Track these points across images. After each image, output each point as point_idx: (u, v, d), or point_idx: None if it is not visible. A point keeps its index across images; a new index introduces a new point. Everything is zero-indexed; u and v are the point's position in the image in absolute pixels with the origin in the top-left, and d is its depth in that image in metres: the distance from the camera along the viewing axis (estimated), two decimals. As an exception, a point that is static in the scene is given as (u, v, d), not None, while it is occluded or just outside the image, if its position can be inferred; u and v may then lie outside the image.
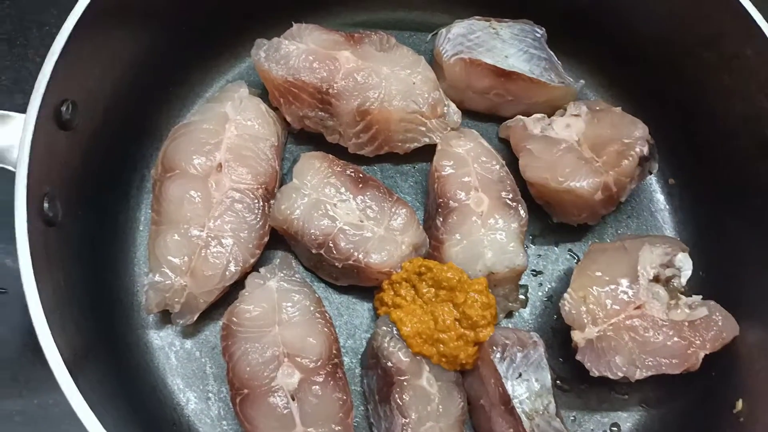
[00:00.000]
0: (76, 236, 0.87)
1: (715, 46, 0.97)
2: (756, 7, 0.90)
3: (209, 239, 0.95)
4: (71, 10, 0.83)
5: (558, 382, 0.98)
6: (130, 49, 0.97)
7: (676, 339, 0.89)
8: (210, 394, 0.96)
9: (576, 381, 0.98)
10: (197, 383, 0.96)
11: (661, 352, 0.89)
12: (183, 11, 1.02)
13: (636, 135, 0.98)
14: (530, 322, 1.03)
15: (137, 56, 0.99)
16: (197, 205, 0.96)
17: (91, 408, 0.69)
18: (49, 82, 0.78)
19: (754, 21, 0.89)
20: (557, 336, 1.01)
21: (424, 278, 0.94)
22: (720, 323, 0.91)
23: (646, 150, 0.98)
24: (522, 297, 1.04)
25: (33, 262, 0.71)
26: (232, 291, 0.96)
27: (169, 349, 0.97)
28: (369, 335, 0.98)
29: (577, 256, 1.06)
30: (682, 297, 0.93)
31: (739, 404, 0.85)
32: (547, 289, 1.05)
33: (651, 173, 1.03)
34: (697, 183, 1.08)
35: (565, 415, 0.97)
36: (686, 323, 0.90)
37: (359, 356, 0.99)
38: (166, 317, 0.97)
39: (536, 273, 1.05)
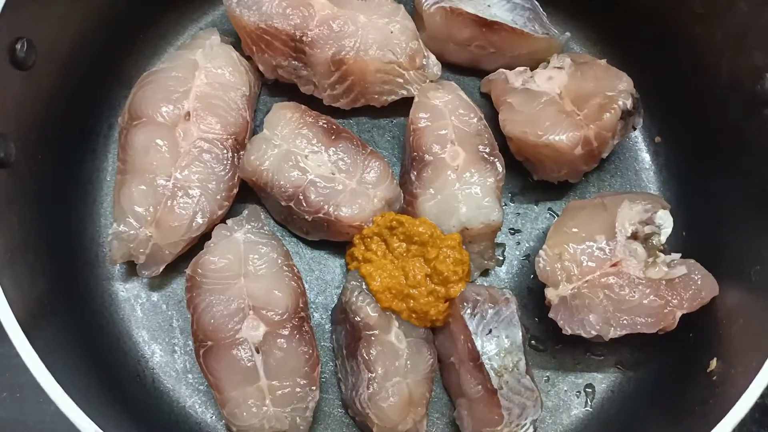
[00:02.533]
0: (35, 181, 0.85)
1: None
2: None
3: (176, 189, 0.92)
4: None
5: (532, 341, 0.96)
6: (95, -9, 0.94)
7: (652, 297, 0.87)
8: (176, 347, 0.94)
9: (551, 341, 0.96)
10: (163, 336, 0.94)
11: (637, 311, 0.86)
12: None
13: (619, 88, 0.95)
14: (506, 281, 1.00)
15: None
16: (164, 155, 0.93)
17: (44, 362, 0.67)
18: (1, 17, 0.75)
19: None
20: (533, 295, 0.99)
21: (396, 233, 0.92)
22: (699, 282, 0.88)
23: (629, 104, 0.94)
24: (499, 256, 1.01)
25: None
26: (201, 244, 0.93)
27: (134, 301, 0.95)
28: (340, 291, 0.95)
29: (557, 215, 1.03)
30: (661, 255, 0.90)
31: (713, 363, 0.83)
32: (524, 248, 1.02)
33: (635, 129, 0.99)
34: (684, 141, 1.04)
35: (539, 375, 0.95)
36: (664, 281, 0.88)
37: (330, 312, 0.97)
38: (132, 268, 0.95)
39: (514, 231, 1.03)
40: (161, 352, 0.93)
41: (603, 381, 0.96)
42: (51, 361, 0.70)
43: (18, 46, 0.78)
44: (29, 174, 0.82)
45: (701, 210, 0.99)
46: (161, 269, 0.93)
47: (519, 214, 1.04)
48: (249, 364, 0.84)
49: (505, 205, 1.03)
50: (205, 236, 0.93)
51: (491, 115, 1.03)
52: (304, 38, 0.97)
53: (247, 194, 0.99)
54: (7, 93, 0.78)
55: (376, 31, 0.99)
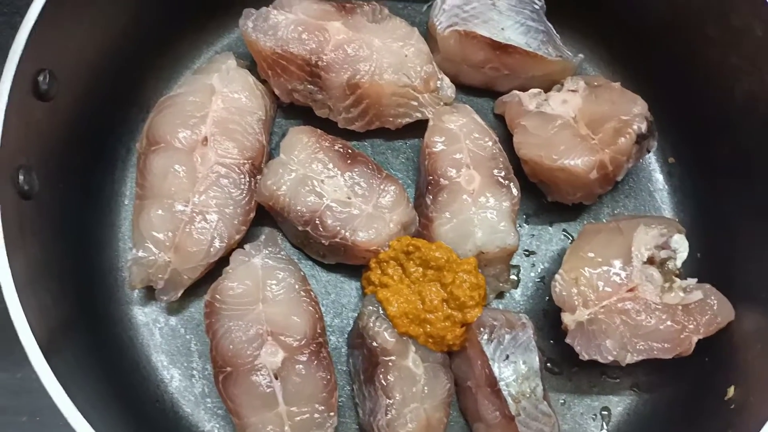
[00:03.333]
0: (56, 209, 0.86)
1: (723, 22, 0.93)
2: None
3: (194, 214, 0.93)
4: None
5: (548, 364, 0.97)
6: (113, 18, 0.94)
7: (668, 323, 0.87)
8: (194, 372, 0.95)
9: (567, 364, 0.96)
10: (181, 360, 0.95)
11: (653, 336, 0.87)
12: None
13: (634, 112, 0.95)
14: (522, 303, 1.01)
15: (121, 25, 0.96)
16: (182, 180, 0.94)
17: (63, 387, 0.68)
18: (24, 50, 0.76)
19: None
20: (549, 317, 0.99)
21: (412, 257, 0.92)
22: (715, 307, 0.88)
23: (644, 127, 0.95)
24: (514, 277, 1.01)
25: (5, 235, 0.70)
26: (219, 267, 0.94)
27: (153, 326, 0.96)
28: (356, 314, 0.96)
29: (572, 236, 1.03)
30: (677, 280, 0.90)
31: (731, 391, 0.83)
32: (539, 270, 1.02)
33: (649, 151, 1.00)
34: (698, 163, 1.05)
35: (554, 398, 0.95)
36: (680, 307, 0.88)
37: (346, 335, 0.97)
38: (150, 293, 0.96)
39: (529, 253, 1.03)
40: (180, 376, 0.94)
41: (619, 404, 0.96)
42: (71, 386, 0.72)
43: (40, 78, 0.79)
44: (51, 203, 0.83)
45: (716, 232, 1.00)
46: (180, 294, 0.94)
47: (533, 235, 1.04)
48: (268, 390, 0.85)
49: (520, 226, 1.03)
50: (223, 260, 0.94)
51: (505, 136, 1.04)
52: (319, 63, 0.98)
53: (264, 217, 0.99)
54: (30, 125, 0.79)
55: (391, 55, 0.99)
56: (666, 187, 1.07)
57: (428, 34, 1.06)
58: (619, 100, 0.98)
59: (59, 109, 0.84)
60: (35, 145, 0.80)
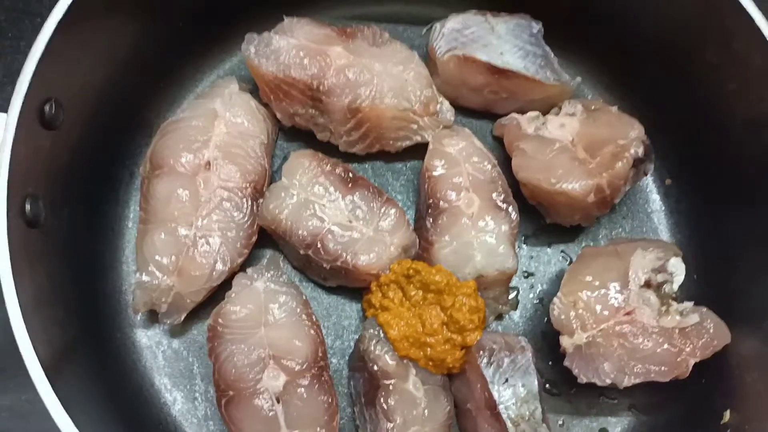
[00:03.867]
0: (62, 236, 0.87)
1: (721, 49, 0.94)
2: (764, 14, 0.88)
3: (197, 238, 0.94)
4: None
5: (547, 385, 0.98)
6: (117, 45, 0.96)
7: (666, 346, 0.88)
8: (197, 394, 0.96)
9: (565, 385, 0.97)
10: (184, 383, 0.96)
11: (651, 359, 0.88)
12: (173, 4, 1.00)
13: (631, 136, 0.96)
14: (520, 324, 1.02)
15: (125, 51, 0.97)
16: (185, 204, 0.95)
17: (67, 410, 0.69)
18: (31, 80, 0.78)
19: (761, 29, 0.87)
20: (547, 339, 1.00)
21: (413, 281, 0.93)
22: (711, 330, 0.89)
23: (641, 151, 0.96)
24: (512, 299, 1.03)
25: (12, 265, 0.71)
26: (222, 290, 0.95)
27: (156, 349, 0.97)
28: (357, 336, 0.97)
29: (570, 258, 1.05)
30: (674, 303, 0.91)
31: (727, 415, 0.84)
32: (538, 291, 1.04)
33: (646, 174, 1.01)
34: (695, 185, 1.06)
35: (553, 419, 0.96)
36: (677, 330, 0.89)
37: (347, 357, 0.98)
38: (154, 316, 0.97)
39: (528, 275, 1.04)
40: (183, 399, 0.95)
41: (617, 425, 0.97)
42: (74, 409, 0.73)
43: (47, 108, 0.81)
44: (57, 230, 0.85)
45: (713, 254, 1.01)
46: (183, 317, 0.95)
47: (532, 257, 1.05)
48: (270, 414, 0.86)
49: (519, 247, 1.05)
50: (225, 283, 0.95)
51: (504, 158, 1.05)
52: (321, 87, 0.99)
53: (266, 240, 1.01)
54: (38, 154, 0.80)
55: (391, 79, 1.01)
56: (663, 208, 1.08)
57: (428, 57, 1.08)
58: (617, 124, 0.99)
59: (64, 137, 0.85)
60: (41, 174, 0.81)
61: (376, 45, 1.04)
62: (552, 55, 1.06)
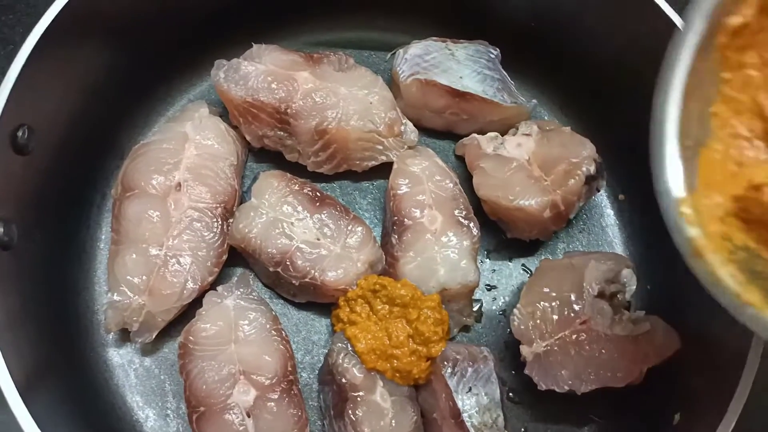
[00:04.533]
0: (33, 258, 0.89)
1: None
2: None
3: (167, 258, 0.97)
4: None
5: (510, 394, 1.01)
6: (89, 70, 0.99)
7: (619, 353, 0.92)
8: (169, 411, 0.97)
9: (527, 393, 1.01)
10: (156, 400, 0.98)
11: (606, 366, 0.92)
12: (144, 31, 1.03)
13: (583, 154, 1.02)
14: (484, 335, 1.06)
15: (97, 77, 1.00)
16: (156, 225, 0.97)
17: (41, 429, 0.70)
18: (4, 107, 0.80)
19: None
20: (510, 349, 1.04)
21: (379, 295, 0.97)
22: (662, 338, 0.94)
23: (593, 169, 1.01)
24: (476, 311, 1.07)
25: (-16, 288, 0.73)
26: (192, 308, 0.97)
27: (128, 367, 0.99)
28: (326, 351, 1.00)
29: (530, 271, 1.09)
30: (626, 312, 0.96)
31: (677, 417, 0.89)
32: (501, 303, 1.08)
33: (599, 191, 1.06)
34: (647, 200, 1.10)
35: (516, 427, 1.00)
36: (629, 338, 0.94)
37: (317, 372, 1.01)
38: (125, 335, 0.98)
39: (490, 287, 1.09)
40: (155, 416, 0.97)
41: (577, 431, 1.01)
42: (48, 428, 0.74)
43: (19, 134, 0.83)
44: (28, 252, 0.86)
45: (664, 265, 1.06)
46: (154, 335, 0.96)
47: (494, 270, 1.09)
48: (241, 428, 0.88)
49: (482, 262, 1.09)
50: (196, 301, 0.97)
51: (465, 176, 1.10)
52: (288, 110, 1.03)
53: (236, 258, 1.03)
54: (9, 179, 0.82)
55: (357, 102, 1.05)
56: (617, 222, 1.14)
57: (392, 82, 1.13)
58: (570, 143, 1.04)
59: (36, 161, 0.88)
60: (13, 198, 0.83)
61: (342, 70, 1.08)
62: (509, 79, 1.11)
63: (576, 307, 0.95)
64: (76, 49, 0.94)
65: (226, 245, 1.00)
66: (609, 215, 1.14)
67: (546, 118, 1.18)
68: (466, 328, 1.06)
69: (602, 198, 1.15)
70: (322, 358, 1.01)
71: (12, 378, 0.71)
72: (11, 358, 0.72)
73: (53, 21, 0.85)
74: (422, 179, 1.04)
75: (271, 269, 0.98)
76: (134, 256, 0.96)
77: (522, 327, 0.95)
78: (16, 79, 0.81)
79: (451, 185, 1.04)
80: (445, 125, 1.14)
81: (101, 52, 0.99)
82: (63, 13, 0.86)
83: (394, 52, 1.14)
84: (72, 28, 0.89)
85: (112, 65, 1.02)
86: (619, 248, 1.12)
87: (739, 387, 0.79)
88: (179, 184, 1.00)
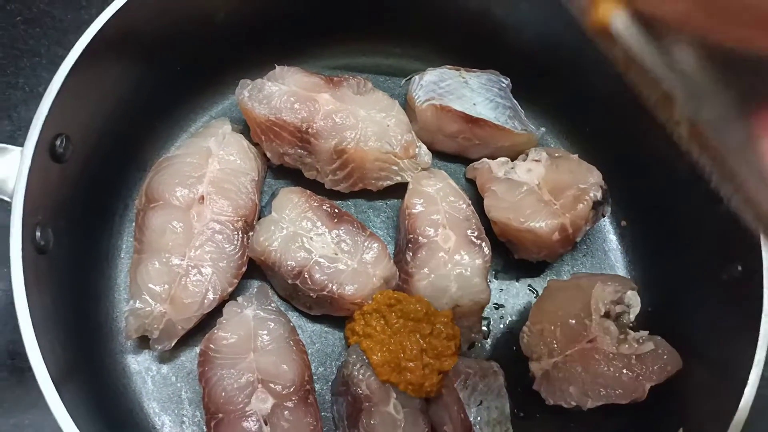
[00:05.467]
0: (63, 263, 0.91)
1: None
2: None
3: (189, 268, 0.99)
4: (62, 42, 0.89)
5: (516, 410, 1.04)
6: (122, 86, 1.02)
7: (624, 371, 0.96)
8: (185, 418, 0.99)
9: (533, 409, 1.04)
10: (172, 407, 0.99)
11: (611, 383, 0.96)
12: (172, 50, 1.08)
13: (590, 181, 1.07)
14: (491, 352, 1.09)
15: (128, 92, 1.04)
16: (179, 235, 1.00)
17: (76, 424, 0.72)
18: (46, 117, 0.83)
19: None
20: (516, 366, 1.07)
21: (394, 310, 1.00)
22: (665, 357, 0.98)
23: (599, 195, 1.06)
24: (484, 329, 1.10)
25: (26, 287, 0.75)
26: (208, 318, 1.00)
27: (146, 374, 1.01)
28: (340, 363, 1.03)
29: (536, 291, 1.13)
30: (631, 332, 1.00)
31: (680, 432, 0.92)
32: (507, 322, 1.11)
33: (604, 216, 1.11)
34: (648, 226, 1.17)
35: (522, 441, 1.03)
36: (634, 356, 0.98)
37: (330, 383, 1.03)
38: (143, 342, 1.01)
39: (498, 306, 1.12)
40: (171, 423, 0.99)
41: (581, 447, 1.04)
42: (79, 425, 0.76)
43: (57, 142, 0.86)
44: (59, 257, 0.89)
45: (665, 289, 1.11)
46: (173, 343, 0.99)
47: (502, 290, 1.13)
48: (258, 435, 0.91)
49: (490, 281, 1.13)
50: (214, 310, 1.00)
51: (476, 199, 1.14)
52: (309, 130, 1.07)
53: (253, 271, 1.06)
54: (47, 185, 0.85)
55: (375, 124, 1.10)
56: (619, 247, 1.19)
57: (407, 106, 1.18)
58: (577, 170, 1.09)
59: (71, 171, 0.91)
60: (50, 204, 0.86)
61: (360, 93, 1.13)
62: (519, 107, 1.17)
63: (583, 327, 0.99)
64: (111, 64, 0.97)
65: (245, 257, 1.03)
66: (612, 240, 1.19)
67: (553, 145, 1.23)
68: (473, 345, 1.09)
69: (605, 224, 1.20)
70: (335, 370, 1.04)
71: (49, 375, 0.73)
72: (48, 357, 0.74)
73: (93, 38, 0.89)
74: (436, 200, 1.08)
75: (289, 281, 1.01)
76: (157, 265, 0.99)
77: (531, 344, 0.99)
78: (59, 90, 0.84)
79: (464, 206, 1.09)
80: (457, 149, 1.19)
81: (133, 68, 1.03)
82: (102, 31, 0.90)
83: (410, 78, 1.19)
84: (109, 45, 0.93)
85: (141, 81, 1.06)
86: (621, 271, 1.17)
87: (740, 405, 0.83)
88: (202, 197, 1.04)
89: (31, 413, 0.73)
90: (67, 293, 0.93)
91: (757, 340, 0.85)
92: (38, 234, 0.82)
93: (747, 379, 0.84)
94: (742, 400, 0.84)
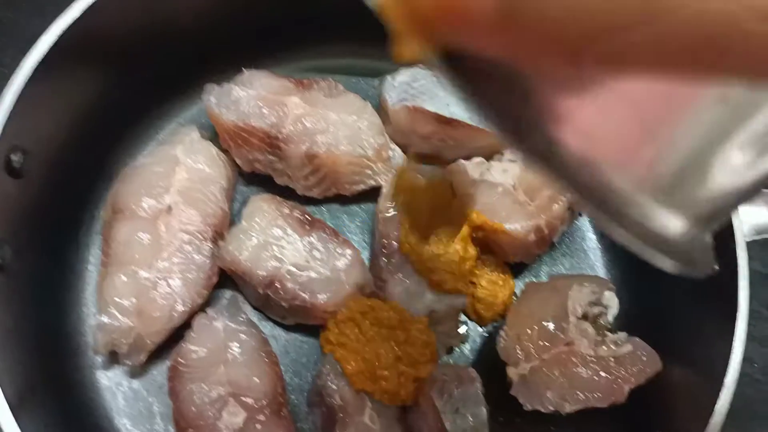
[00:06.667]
0: (24, 279, 0.89)
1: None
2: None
3: (157, 280, 0.97)
4: (26, 51, 0.86)
5: (494, 415, 1.03)
6: (83, 94, 1.00)
7: (602, 374, 0.95)
8: (156, 434, 0.97)
9: (512, 414, 1.02)
10: (144, 423, 0.97)
11: (589, 387, 0.94)
12: (138, 56, 1.05)
13: (566, 181, 1.05)
14: (470, 356, 1.07)
15: (90, 100, 1.01)
16: (146, 247, 0.98)
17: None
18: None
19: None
20: (495, 370, 1.05)
21: (368, 317, 0.98)
22: (644, 358, 0.97)
23: (575, 195, 1.04)
24: (463, 333, 1.08)
25: (-21, 309, 0.73)
26: (180, 330, 0.98)
27: (116, 389, 0.99)
28: (315, 373, 1.01)
29: (515, 293, 1.11)
30: (609, 334, 0.99)
31: (659, 436, 0.91)
32: (486, 326, 1.10)
33: (581, 215, 1.09)
34: (626, 224, 1.15)
35: (502, 447, 1.01)
36: (612, 359, 0.96)
37: (305, 394, 1.02)
38: (114, 357, 0.98)
39: (476, 310, 1.10)
40: (142, 439, 0.97)
41: (562, 451, 1.03)
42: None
43: (14, 157, 0.84)
44: (21, 273, 0.86)
45: (645, 288, 1.09)
46: (143, 357, 0.97)
47: (480, 293, 1.12)
48: (230, 451, 0.89)
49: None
50: (185, 323, 0.98)
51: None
52: (279, 135, 1.05)
53: (225, 281, 1.04)
54: (4, 202, 0.82)
55: (346, 128, 1.07)
56: (599, 246, 1.17)
57: (380, 107, 1.15)
58: (553, 170, 1.07)
59: (30, 185, 0.88)
60: (8, 221, 0.84)
61: (332, 96, 1.11)
62: (494, 106, 1.14)
63: (560, 329, 0.97)
64: (70, 72, 0.95)
65: (215, 268, 1.01)
66: (591, 239, 1.17)
67: (529, 144, 1.21)
68: (451, 350, 1.07)
69: (585, 223, 1.18)
70: (311, 380, 1.02)
71: (6, 398, 0.71)
72: (4, 378, 0.72)
73: (50, 46, 0.86)
74: (410, 203, 1.06)
75: (261, 291, 0.99)
76: (123, 278, 0.96)
77: (508, 349, 0.97)
78: (13, 103, 0.82)
79: (439, 209, 1.07)
80: (432, 151, 1.17)
81: (94, 75, 1.01)
82: (60, 38, 0.88)
83: (382, 79, 1.17)
84: (67, 53, 0.90)
85: (104, 89, 1.03)
86: (601, 271, 1.15)
87: (717, 406, 0.82)
88: (169, 207, 1.01)
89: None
90: (33, 310, 0.91)
91: (733, 340, 0.84)
92: (-6, 252, 0.80)
93: (723, 380, 0.83)
94: (721, 398, 0.83)
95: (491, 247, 1.09)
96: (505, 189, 1.07)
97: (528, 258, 1.09)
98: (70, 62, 0.93)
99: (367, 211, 1.14)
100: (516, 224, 1.02)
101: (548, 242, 1.06)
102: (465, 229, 1.01)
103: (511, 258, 1.09)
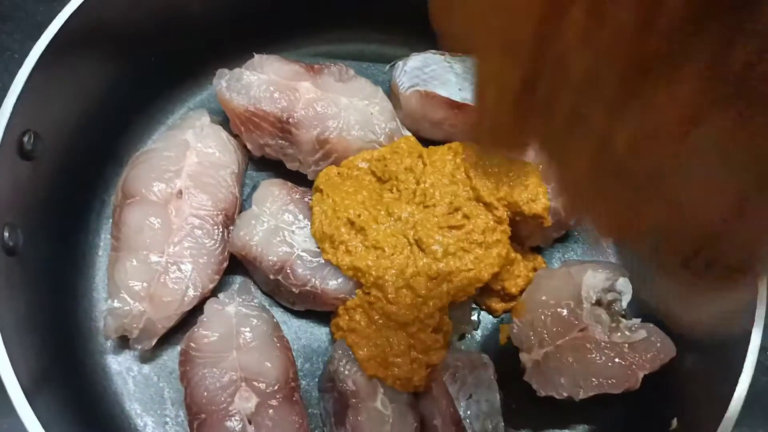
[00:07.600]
0: (36, 263, 0.88)
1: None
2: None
3: (168, 265, 0.97)
4: (35, 37, 0.86)
5: (507, 401, 1.02)
6: (94, 79, 0.99)
7: (616, 360, 0.94)
8: (167, 419, 0.97)
9: (524, 400, 1.02)
10: (155, 408, 0.97)
11: (603, 373, 0.93)
12: (146, 40, 1.05)
13: (580, 166, 1.04)
14: (482, 343, 1.07)
15: (101, 85, 1.01)
16: (157, 231, 0.98)
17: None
18: (11, 113, 0.80)
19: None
20: (507, 356, 1.05)
21: (374, 308, 0.97)
22: (658, 344, 0.96)
23: (589, 180, 1.03)
24: (474, 319, 1.08)
25: (-6, 291, 0.73)
26: (190, 315, 0.98)
27: (126, 374, 0.98)
28: (326, 359, 1.00)
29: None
30: (623, 320, 0.98)
31: (674, 423, 0.90)
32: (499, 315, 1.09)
33: (595, 201, 1.08)
34: (639, 210, 1.14)
35: (514, 433, 1.01)
36: (626, 345, 0.95)
37: (316, 379, 1.01)
38: (124, 342, 0.98)
39: (488, 296, 1.10)
40: (153, 424, 0.96)
41: (575, 438, 1.02)
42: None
43: (25, 139, 0.83)
44: (32, 257, 0.86)
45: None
46: (154, 342, 0.96)
47: (492, 279, 1.11)
48: (242, 435, 0.88)
49: (479, 271, 1.10)
50: (195, 308, 0.98)
51: (463, 187, 1.11)
52: (290, 120, 1.04)
53: (236, 266, 1.04)
54: (16, 185, 0.82)
55: (357, 113, 1.07)
56: (611, 233, 1.16)
57: (391, 92, 1.14)
58: (567, 155, 1.06)
59: (41, 168, 0.88)
60: (20, 203, 0.83)
61: (342, 81, 1.10)
62: (506, 91, 1.13)
63: (574, 315, 0.96)
64: (81, 57, 0.94)
65: (226, 253, 1.01)
66: (603, 226, 1.16)
67: (542, 130, 1.20)
68: (463, 336, 1.07)
69: (597, 209, 1.17)
70: (321, 366, 1.01)
71: (20, 383, 0.71)
72: (19, 363, 0.72)
73: (60, 30, 0.85)
74: (422, 189, 1.05)
75: (271, 277, 0.98)
76: (134, 262, 0.96)
77: (521, 335, 0.96)
78: (24, 85, 0.81)
79: (451, 195, 1.05)
80: (444, 136, 1.16)
81: (104, 60, 1.00)
82: (69, 22, 0.87)
83: (393, 64, 1.16)
84: (78, 37, 0.90)
85: (115, 74, 1.03)
86: (612, 259, 1.14)
87: (736, 391, 0.81)
88: (180, 192, 1.01)
89: (11, 418, 0.71)
90: (44, 294, 0.91)
91: (752, 326, 0.83)
92: (6, 234, 0.79)
93: (743, 364, 0.82)
94: (738, 385, 0.82)
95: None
96: (518, 174, 1.06)
97: (545, 241, 1.09)
98: (80, 47, 0.93)
99: (377, 198, 1.13)
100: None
101: (565, 226, 1.05)
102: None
103: (529, 242, 1.08)
